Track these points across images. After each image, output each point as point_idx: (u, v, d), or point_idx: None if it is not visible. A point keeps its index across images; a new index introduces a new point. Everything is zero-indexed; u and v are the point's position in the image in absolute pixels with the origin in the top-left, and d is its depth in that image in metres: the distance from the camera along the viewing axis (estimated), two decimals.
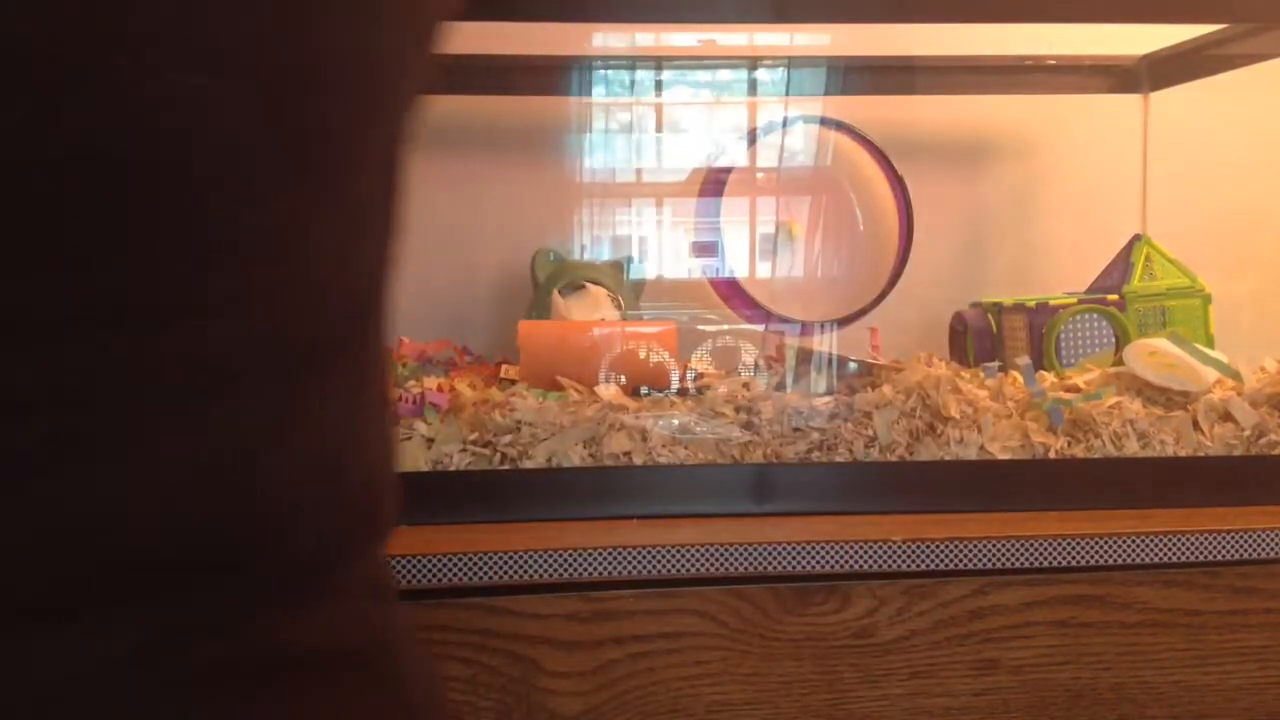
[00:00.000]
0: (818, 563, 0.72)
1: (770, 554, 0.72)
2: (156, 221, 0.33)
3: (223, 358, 0.35)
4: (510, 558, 0.70)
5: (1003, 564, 0.73)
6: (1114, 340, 1.04)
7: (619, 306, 1.02)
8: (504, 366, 1.00)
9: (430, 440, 0.82)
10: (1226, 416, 0.88)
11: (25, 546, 0.31)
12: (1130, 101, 1.18)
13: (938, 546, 0.73)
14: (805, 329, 1.02)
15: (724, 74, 1.10)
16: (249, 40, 0.33)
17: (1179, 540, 0.75)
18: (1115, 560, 0.74)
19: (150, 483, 0.33)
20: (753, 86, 1.09)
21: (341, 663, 0.35)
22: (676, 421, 0.85)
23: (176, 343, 0.34)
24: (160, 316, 0.34)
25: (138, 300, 0.33)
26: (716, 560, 0.72)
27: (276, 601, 0.35)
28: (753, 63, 1.10)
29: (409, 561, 0.69)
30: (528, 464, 0.81)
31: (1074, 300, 1.05)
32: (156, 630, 0.32)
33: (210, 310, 0.35)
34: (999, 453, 0.84)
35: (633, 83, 1.09)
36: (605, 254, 1.09)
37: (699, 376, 0.94)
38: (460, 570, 0.70)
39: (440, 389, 0.89)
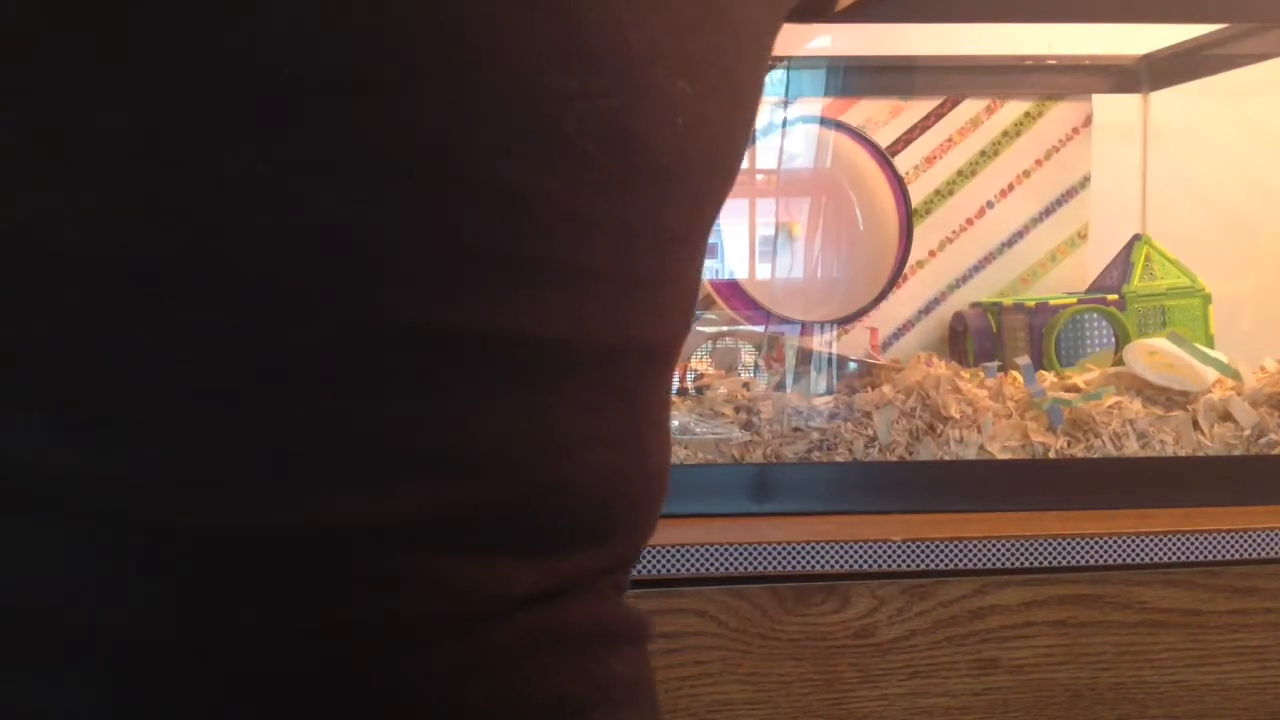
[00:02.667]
0: (818, 563, 0.72)
1: (770, 554, 0.72)
2: (656, 198, 0.40)
3: (662, 344, 0.43)
4: None
5: (1003, 564, 0.73)
6: (1114, 340, 1.04)
7: None
8: None
9: None
10: (1226, 416, 0.88)
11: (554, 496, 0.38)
12: (1130, 101, 1.18)
13: (938, 546, 0.73)
14: (805, 329, 1.02)
15: None
16: (717, 58, 0.41)
17: (1179, 540, 0.74)
18: (1115, 560, 0.74)
19: (610, 438, 0.41)
20: None
21: (632, 639, 0.43)
22: (676, 421, 0.85)
23: (648, 321, 0.41)
24: (654, 289, 0.41)
25: (624, 270, 0.39)
26: (716, 560, 0.72)
27: (619, 584, 0.44)
28: None
29: None
30: None
31: (1074, 300, 1.05)
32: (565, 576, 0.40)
33: (665, 293, 0.42)
34: (999, 453, 0.84)
35: None
36: None
37: (699, 376, 0.94)
38: None
39: None
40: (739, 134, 0.44)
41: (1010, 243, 1.20)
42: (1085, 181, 1.20)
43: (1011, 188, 1.20)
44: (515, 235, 0.36)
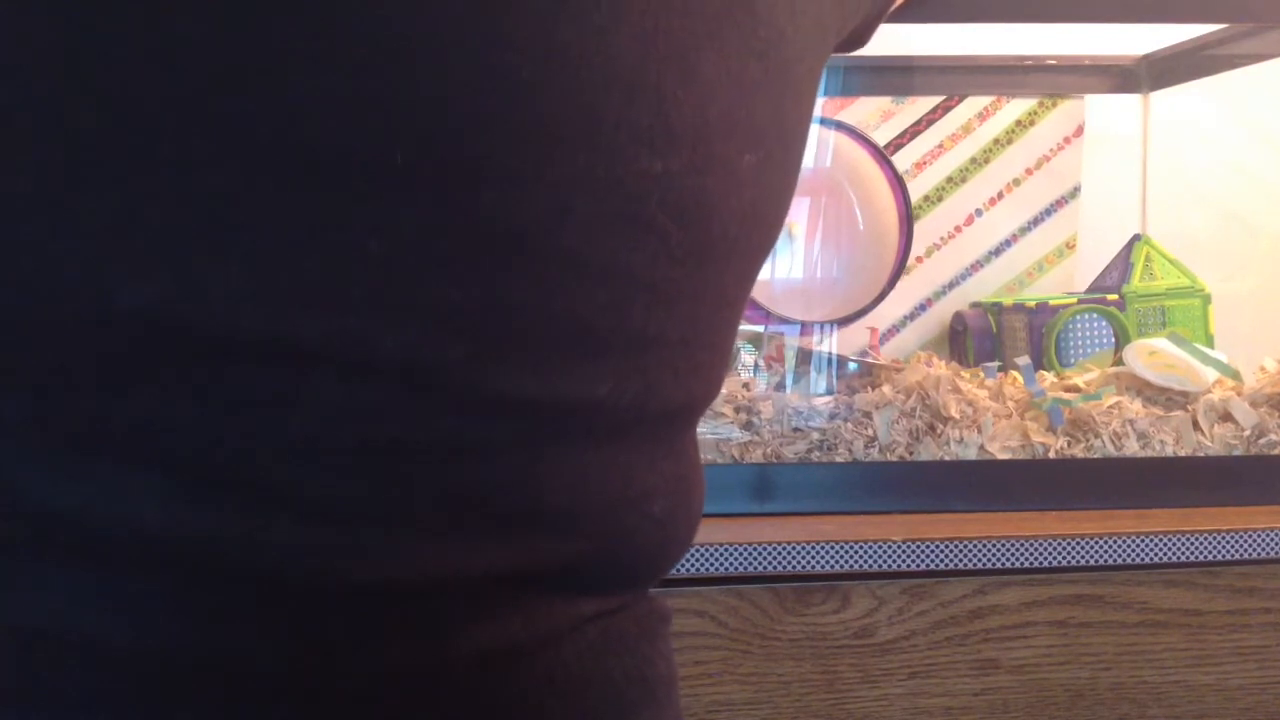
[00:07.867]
0: (818, 563, 0.72)
1: (770, 554, 0.72)
2: (712, 265, 0.41)
3: (709, 399, 0.45)
4: None
5: (1002, 564, 0.73)
6: (1114, 340, 1.04)
7: None
8: None
9: None
10: (1226, 416, 0.88)
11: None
12: (1129, 102, 1.18)
13: (938, 546, 0.73)
14: (805, 329, 1.02)
15: None
16: (779, 124, 0.43)
17: (1179, 540, 0.74)
18: (1115, 560, 0.74)
19: (660, 489, 0.43)
20: None
21: (664, 633, 0.47)
22: None
23: (694, 379, 0.43)
24: (700, 352, 0.43)
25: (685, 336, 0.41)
26: (716, 560, 0.72)
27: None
28: None
29: None
30: None
31: (1074, 300, 1.05)
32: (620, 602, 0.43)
33: (718, 353, 0.44)
34: (999, 453, 0.84)
35: None
36: None
37: None
38: None
39: None
40: (790, 195, 0.46)
41: (998, 251, 1.20)
42: (1075, 191, 1.20)
43: (1001, 196, 1.20)
44: (600, 309, 0.38)
